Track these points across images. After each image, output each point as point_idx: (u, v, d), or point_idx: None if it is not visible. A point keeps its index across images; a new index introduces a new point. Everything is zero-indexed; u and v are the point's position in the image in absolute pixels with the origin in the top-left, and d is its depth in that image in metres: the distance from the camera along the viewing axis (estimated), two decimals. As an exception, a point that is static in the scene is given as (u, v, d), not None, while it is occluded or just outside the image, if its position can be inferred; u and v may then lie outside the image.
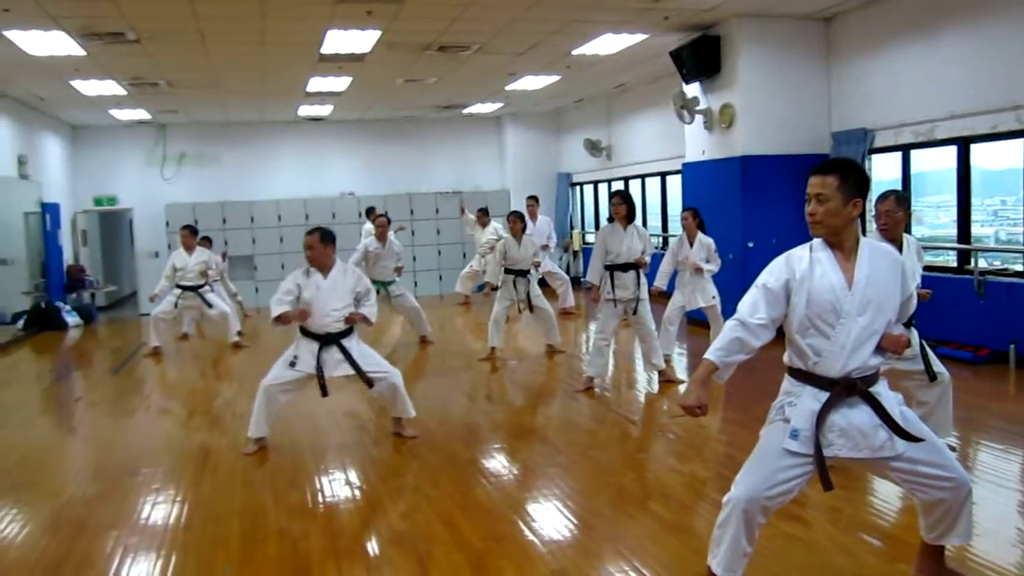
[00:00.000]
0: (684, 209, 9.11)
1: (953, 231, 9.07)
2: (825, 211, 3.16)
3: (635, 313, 7.83)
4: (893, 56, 9.29)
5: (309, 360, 6.08)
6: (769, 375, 5.41)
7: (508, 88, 14.38)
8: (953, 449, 5.43)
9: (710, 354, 3.24)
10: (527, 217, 13.68)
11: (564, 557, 4.18)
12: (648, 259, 7.84)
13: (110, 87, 12.32)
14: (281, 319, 6.04)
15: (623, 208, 7.75)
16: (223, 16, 8.76)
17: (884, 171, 9.99)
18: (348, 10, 8.67)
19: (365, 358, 6.23)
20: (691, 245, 8.71)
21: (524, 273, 9.59)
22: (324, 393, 6.12)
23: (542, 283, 11.15)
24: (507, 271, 9.61)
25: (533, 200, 14.08)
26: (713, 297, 8.72)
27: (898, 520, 4.51)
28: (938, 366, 5.27)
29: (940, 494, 3.27)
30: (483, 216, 14.42)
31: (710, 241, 8.72)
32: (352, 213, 17.16)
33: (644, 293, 7.86)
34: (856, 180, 3.18)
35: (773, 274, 3.26)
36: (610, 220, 7.93)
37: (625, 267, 7.72)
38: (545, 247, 13.33)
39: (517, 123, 18.58)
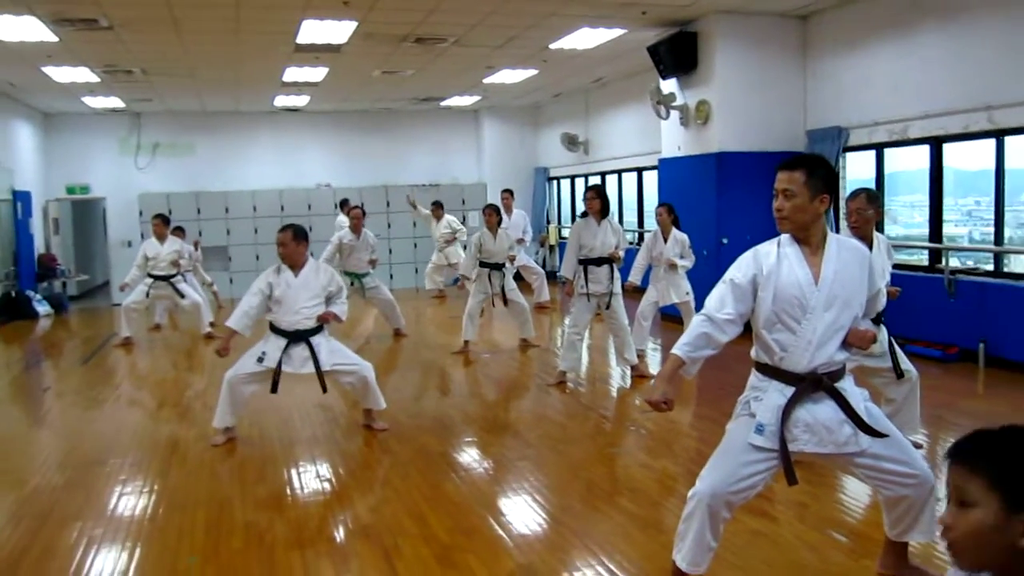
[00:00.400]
0: (659, 205, 9.10)
1: (927, 230, 9.14)
2: (792, 207, 3.17)
3: (608, 308, 7.83)
4: (868, 55, 9.34)
5: (275, 356, 6.04)
6: (740, 370, 5.42)
7: (486, 81, 14.35)
8: (920, 447, 5.47)
9: (677, 349, 3.24)
10: (502, 210, 13.72)
11: (531, 552, 4.17)
12: (622, 254, 7.85)
13: (83, 74, 12.16)
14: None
15: (597, 202, 7.75)
16: (197, 3, 8.66)
17: (858, 169, 10.05)
18: (324, 0, 8.61)
19: (335, 353, 6.20)
20: (665, 241, 8.72)
21: (499, 266, 9.58)
22: (274, 389, 6.10)
23: (517, 277, 11.13)
24: (482, 264, 9.60)
25: (508, 193, 14.06)
26: (687, 293, 8.73)
27: (864, 516, 4.54)
28: (906, 363, 5.30)
29: (904, 491, 3.28)
30: (437, 209, 14.40)
31: (684, 237, 8.73)
32: (328, 205, 17.06)
33: (617, 288, 7.87)
34: (823, 175, 3.18)
35: (740, 269, 3.26)
36: (584, 215, 7.93)
37: (599, 261, 7.72)
38: (520, 241, 13.32)
39: (495, 116, 18.54)
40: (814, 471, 4.80)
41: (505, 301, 9.60)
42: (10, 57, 10.79)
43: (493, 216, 9.70)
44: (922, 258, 9.38)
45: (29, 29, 9.29)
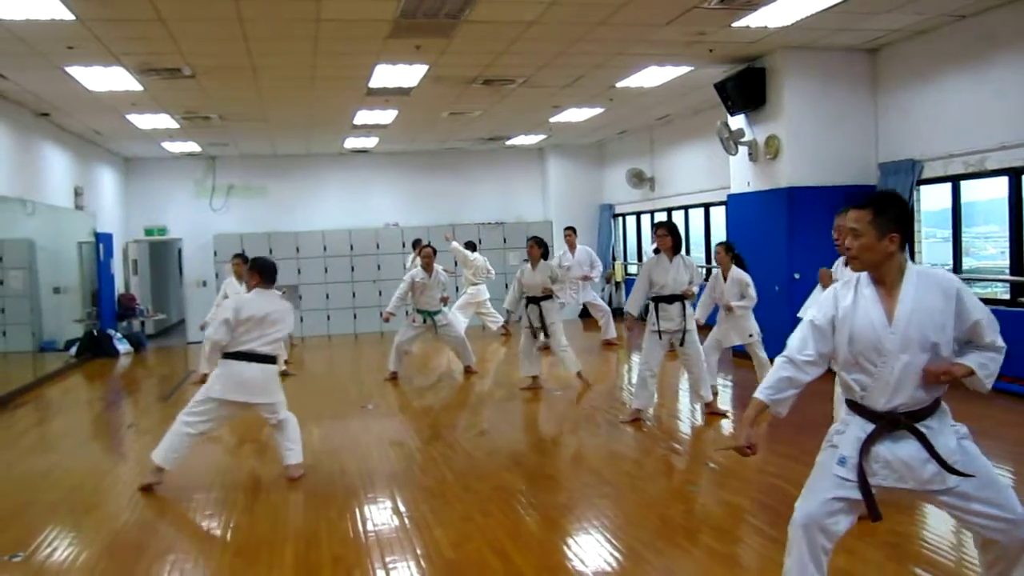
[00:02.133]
0: (717, 244, 8.92)
1: (1000, 262, 8.96)
2: (859, 246, 3.16)
3: (682, 344, 7.81)
4: (941, 86, 9.25)
5: None
6: (817, 407, 5.39)
7: (552, 120, 14.51)
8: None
9: (759, 393, 3.25)
10: (567, 248, 13.79)
11: (616, 588, 4.18)
12: (695, 290, 7.83)
13: (164, 121, 12.64)
14: None
15: (668, 239, 7.76)
16: (276, 52, 8.97)
17: (933, 202, 9.92)
18: (397, 45, 8.84)
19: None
20: (724, 280, 8.54)
21: (536, 300, 9.60)
22: None
23: (584, 314, 11.14)
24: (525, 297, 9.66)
25: (571, 230, 14.09)
26: (751, 336, 8.45)
27: (953, 556, 4.44)
28: None
29: (993, 534, 3.19)
30: (470, 247, 14.61)
31: (743, 276, 8.43)
32: (396, 244, 17.34)
33: (691, 324, 7.84)
34: (894, 214, 3.15)
35: (821, 309, 3.26)
36: (656, 251, 7.93)
37: (671, 299, 7.71)
38: (586, 278, 13.38)
39: (560, 154, 18.70)
40: (902, 510, 4.74)
41: (546, 333, 9.60)
42: (98, 106, 11.28)
43: (535, 249, 9.64)
44: (996, 291, 9.17)
45: (117, 79, 9.72)
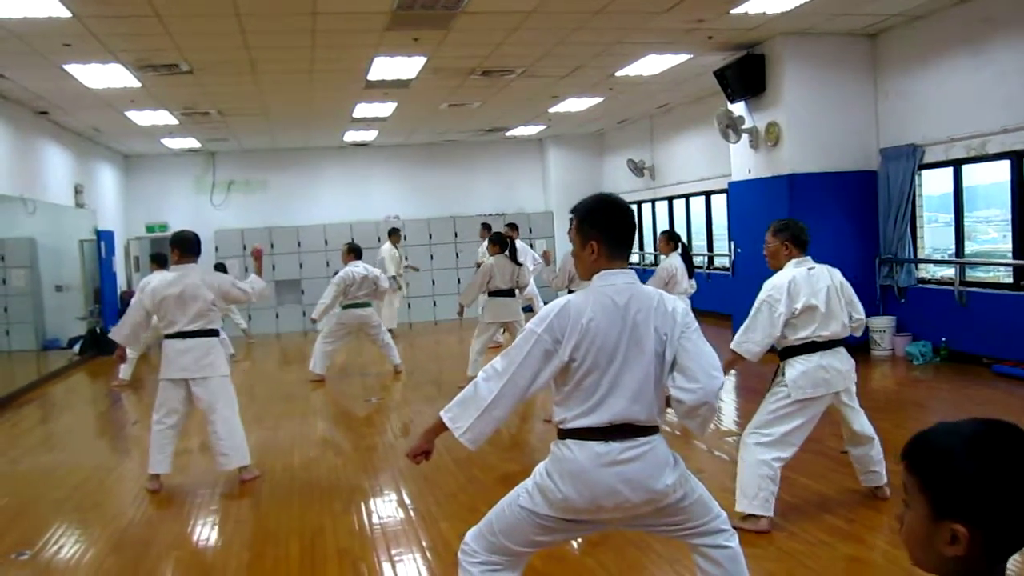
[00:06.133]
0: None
1: (1003, 246, 8.94)
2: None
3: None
4: (941, 70, 9.22)
5: None
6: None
7: (551, 111, 14.48)
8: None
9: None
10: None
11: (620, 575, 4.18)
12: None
13: (163, 117, 12.62)
14: None
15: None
16: (274, 46, 8.95)
17: (934, 186, 9.90)
18: (395, 37, 8.82)
19: None
20: None
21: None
22: None
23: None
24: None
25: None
26: None
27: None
28: None
29: None
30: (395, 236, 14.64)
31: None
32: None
33: None
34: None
35: None
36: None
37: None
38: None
39: (559, 145, 18.67)
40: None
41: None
42: (97, 103, 11.27)
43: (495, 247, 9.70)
44: (999, 275, 9.13)
45: (115, 76, 9.71)
